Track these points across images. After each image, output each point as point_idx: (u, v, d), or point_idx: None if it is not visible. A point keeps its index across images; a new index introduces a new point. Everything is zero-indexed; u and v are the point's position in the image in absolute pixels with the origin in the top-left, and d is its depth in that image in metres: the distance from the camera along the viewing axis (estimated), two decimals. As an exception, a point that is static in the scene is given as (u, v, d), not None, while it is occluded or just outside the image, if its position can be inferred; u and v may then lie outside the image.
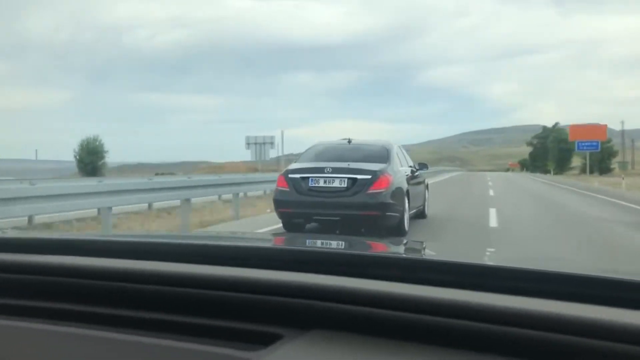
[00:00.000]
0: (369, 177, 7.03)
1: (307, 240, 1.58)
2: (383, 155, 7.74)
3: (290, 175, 7.36)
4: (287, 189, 7.29)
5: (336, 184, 7.11)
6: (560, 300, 0.73)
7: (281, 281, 0.84)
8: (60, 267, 0.97)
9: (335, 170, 7.15)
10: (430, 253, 1.30)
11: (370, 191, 6.96)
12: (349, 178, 7.07)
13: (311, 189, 7.17)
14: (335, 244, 1.40)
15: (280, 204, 7.45)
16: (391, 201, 7.05)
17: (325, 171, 7.16)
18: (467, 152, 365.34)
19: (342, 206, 7.01)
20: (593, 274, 0.84)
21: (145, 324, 0.86)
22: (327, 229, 7.61)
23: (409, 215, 7.87)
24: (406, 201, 7.59)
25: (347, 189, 7.05)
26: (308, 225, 7.93)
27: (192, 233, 2.33)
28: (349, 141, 8.35)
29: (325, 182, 7.15)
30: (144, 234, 2.19)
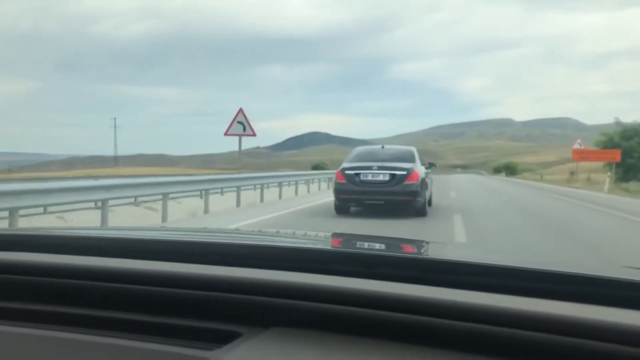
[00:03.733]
0: (404, 172, 10.33)
1: (268, 237, 1.59)
2: (410, 157, 11.09)
3: (346, 172, 10.62)
4: (345, 182, 10.54)
5: (380, 177, 10.38)
6: (514, 295, 0.75)
7: (239, 278, 0.85)
8: (11, 265, 0.96)
9: (380, 168, 10.43)
10: (396, 249, 1.29)
11: (406, 183, 10.27)
12: (390, 173, 10.36)
13: (362, 181, 10.43)
14: (297, 240, 1.43)
15: (340, 192, 10.70)
16: (419, 190, 10.37)
17: (373, 169, 10.44)
18: (438, 145, 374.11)
19: (386, 193, 10.32)
20: (562, 270, 0.86)
21: (97, 323, 0.86)
22: (370, 211, 10.87)
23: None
24: (426, 190, 10.92)
25: (388, 181, 10.34)
26: (352, 209, 11.19)
27: (148, 228, 2.35)
28: (382, 146, 11.69)
29: (372, 176, 10.42)
30: (94, 228, 2.10)
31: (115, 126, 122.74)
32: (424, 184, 10.70)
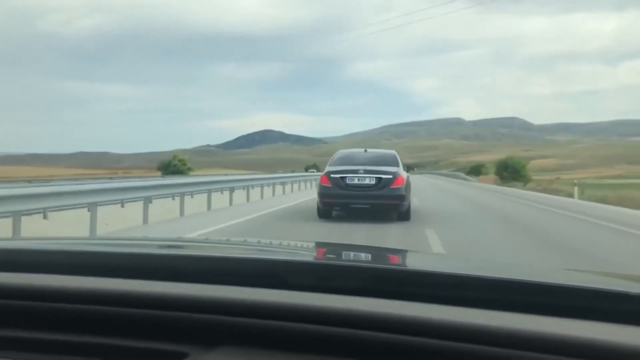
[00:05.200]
0: (390, 176, 10.31)
1: (217, 247, 1.45)
2: (393, 160, 11.10)
3: (332, 175, 10.49)
4: (330, 185, 10.42)
5: (367, 181, 10.32)
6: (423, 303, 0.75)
7: (184, 295, 0.81)
8: None
9: (366, 171, 10.37)
10: (353, 258, 1.22)
11: (392, 186, 10.24)
12: (376, 177, 10.31)
13: (348, 185, 10.34)
14: (249, 250, 1.35)
15: (325, 196, 10.56)
16: (405, 194, 10.39)
17: (359, 172, 10.39)
18: (390, 144, 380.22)
19: (372, 197, 10.25)
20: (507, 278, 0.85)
21: (34, 345, 0.81)
22: (353, 215, 10.84)
23: None
24: (410, 194, 11.00)
25: (375, 185, 10.28)
26: (334, 213, 11.13)
27: (81, 239, 2.08)
28: (365, 150, 11.68)
29: (359, 180, 10.33)
30: (18, 238, 1.80)
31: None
32: (408, 187, 10.73)
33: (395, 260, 1.27)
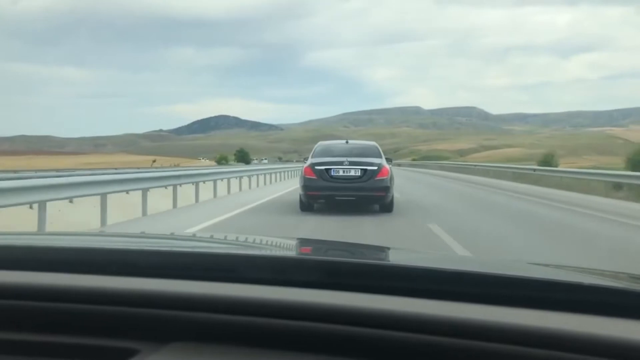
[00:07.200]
0: (376, 168, 10.35)
1: (174, 241, 1.43)
2: (376, 152, 11.15)
3: (316, 167, 10.43)
4: (315, 177, 10.37)
5: (352, 173, 10.32)
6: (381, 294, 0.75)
7: (134, 290, 0.79)
8: None
9: (351, 163, 10.39)
10: (310, 251, 1.23)
11: (377, 178, 10.28)
12: (361, 169, 10.34)
13: (333, 177, 10.32)
14: (206, 244, 1.34)
15: (309, 189, 10.50)
16: (390, 185, 10.49)
17: (344, 164, 10.40)
18: (348, 131, 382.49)
19: (358, 189, 10.27)
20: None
21: None
22: (335, 207, 10.87)
23: None
24: (393, 185, 11.13)
25: (360, 177, 10.30)
26: (316, 206, 11.13)
27: (25, 234, 2.14)
28: (347, 141, 11.73)
29: (344, 172, 10.32)
30: None
31: None
32: (392, 178, 10.81)
33: (352, 254, 1.28)
